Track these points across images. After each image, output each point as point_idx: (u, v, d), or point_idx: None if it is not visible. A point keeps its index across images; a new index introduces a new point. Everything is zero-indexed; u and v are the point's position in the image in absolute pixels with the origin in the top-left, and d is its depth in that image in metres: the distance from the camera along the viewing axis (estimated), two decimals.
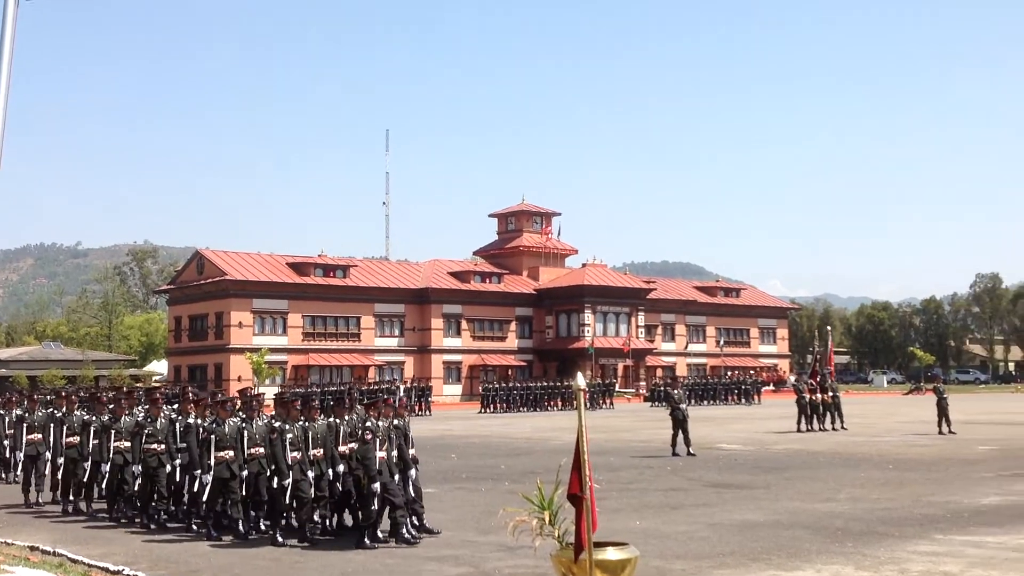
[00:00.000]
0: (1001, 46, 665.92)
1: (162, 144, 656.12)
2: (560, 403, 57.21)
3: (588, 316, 78.00)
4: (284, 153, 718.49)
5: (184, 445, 14.05)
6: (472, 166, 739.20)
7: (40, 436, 17.22)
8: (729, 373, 72.02)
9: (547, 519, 7.30)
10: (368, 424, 12.62)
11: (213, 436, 13.32)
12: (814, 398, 33.19)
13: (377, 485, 12.33)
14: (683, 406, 25.34)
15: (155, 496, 14.43)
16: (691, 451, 24.57)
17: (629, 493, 17.38)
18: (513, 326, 79.75)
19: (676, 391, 26.54)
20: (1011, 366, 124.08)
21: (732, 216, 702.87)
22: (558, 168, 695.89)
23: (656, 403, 59.84)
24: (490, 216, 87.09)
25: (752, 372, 79.20)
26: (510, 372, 74.77)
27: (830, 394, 33.65)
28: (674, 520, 14.30)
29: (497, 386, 58.37)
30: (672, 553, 11.65)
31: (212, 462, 13.23)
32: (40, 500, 16.87)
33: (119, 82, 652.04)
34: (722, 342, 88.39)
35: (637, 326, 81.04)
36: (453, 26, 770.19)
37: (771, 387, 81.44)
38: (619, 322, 80.00)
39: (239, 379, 62.34)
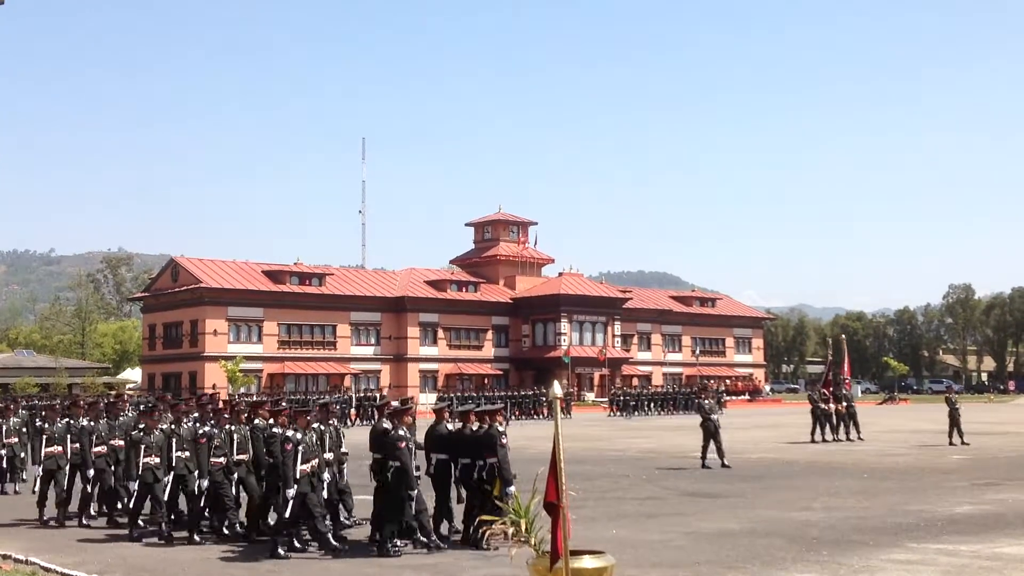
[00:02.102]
0: (975, 57, 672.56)
1: (137, 150, 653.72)
2: (519, 413, 55.62)
3: (564, 325, 78.05)
4: (260, 161, 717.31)
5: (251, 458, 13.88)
6: (449, 175, 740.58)
7: (60, 449, 15.95)
8: (709, 382, 72.02)
9: (524, 527, 7.31)
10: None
11: (300, 447, 12.50)
12: (827, 408, 33.15)
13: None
14: (714, 416, 24.45)
15: (207, 510, 13.88)
16: (725, 462, 23.48)
17: (605, 502, 17.40)
18: (489, 335, 79.72)
19: (707, 401, 25.58)
20: (984, 376, 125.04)
21: (708, 227, 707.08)
22: (535, 177, 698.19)
23: (617, 412, 58.71)
24: (466, 225, 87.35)
25: (728, 381, 79.34)
26: (486, 381, 74.74)
27: (844, 404, 33.61)
28: (650, 529, 14.34)
29: (452, 396, 56.61)
30: (648, 562, 11.68)
31: (297, 474, 12.43)
32: (58, 516, 15.69)
33: (92, 87, 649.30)
34: (698, 351, 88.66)
35: (613, 335, 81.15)
36: (430, 35, 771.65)
37: (746, 396, 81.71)
38: (595, 331, 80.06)
39: (214, 387, 61.95)
